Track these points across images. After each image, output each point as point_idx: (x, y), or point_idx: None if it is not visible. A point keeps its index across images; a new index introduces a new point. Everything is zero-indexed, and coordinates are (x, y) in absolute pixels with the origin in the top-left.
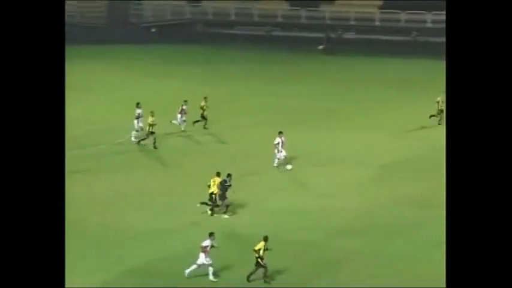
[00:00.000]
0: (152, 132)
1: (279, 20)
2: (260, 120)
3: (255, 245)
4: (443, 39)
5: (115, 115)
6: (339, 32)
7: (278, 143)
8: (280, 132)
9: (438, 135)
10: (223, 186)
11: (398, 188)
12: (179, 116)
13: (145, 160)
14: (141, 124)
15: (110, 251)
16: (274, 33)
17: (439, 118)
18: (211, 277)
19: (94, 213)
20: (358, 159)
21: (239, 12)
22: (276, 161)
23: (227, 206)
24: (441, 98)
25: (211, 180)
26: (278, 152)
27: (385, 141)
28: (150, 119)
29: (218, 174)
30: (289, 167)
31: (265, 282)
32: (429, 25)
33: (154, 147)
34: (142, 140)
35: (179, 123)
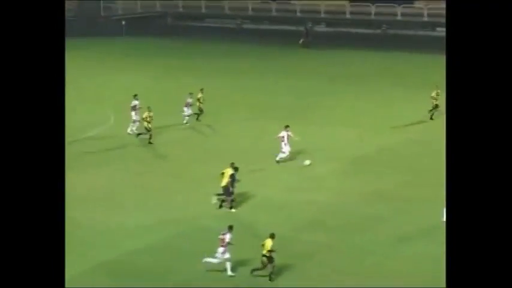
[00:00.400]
0: (147, 129)
1: (250, 13)
2: (240, 116)
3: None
4: (413, 32)
5: (84, 110)
6: (310, 25)
7: (283, 137)
8: (286, 126)
9: (413, 129)
10: (233, 180)
11: (368, 182)
12: (185, 108)
13: (128, 155)
14: (137, 116)
15: (82, 246)
16: (245, 26)
17: (431, 113)
18: (229, 272)
19: (74, 209)
20: (328, 154)
21: (209, 5)
22: (281, 155)
23: (232, 200)
24: (436, 92)
25: (223, 172)
26: (285, 145)
27: (355, 136)
28: (145, 114)
29: (232, 165)
30: (307, 162)
31: (252, 274)
32: (399, 18)
33: (150, 143)
34: (141, 134)
35: (188, 115)
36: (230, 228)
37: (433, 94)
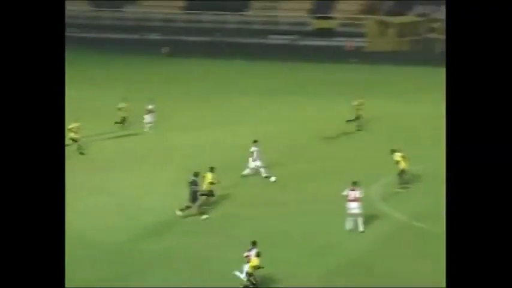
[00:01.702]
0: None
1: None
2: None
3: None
4: (245, 39)
5: None
6: (144, 34)
7: (253, 152)
8: (255, 141)
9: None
10: (193, 186)
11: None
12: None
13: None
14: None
15: None
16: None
17: (356, 123)
18: None
19: None
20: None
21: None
22: (247, 170)
23: (199, 205)
24: (358, 101)
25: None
26: (253, 161)
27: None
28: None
29: (211, 170)
30: (272, 178)
31: None
32: (232, 26)
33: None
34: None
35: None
36: (253, 244)
37: (355, 103)
